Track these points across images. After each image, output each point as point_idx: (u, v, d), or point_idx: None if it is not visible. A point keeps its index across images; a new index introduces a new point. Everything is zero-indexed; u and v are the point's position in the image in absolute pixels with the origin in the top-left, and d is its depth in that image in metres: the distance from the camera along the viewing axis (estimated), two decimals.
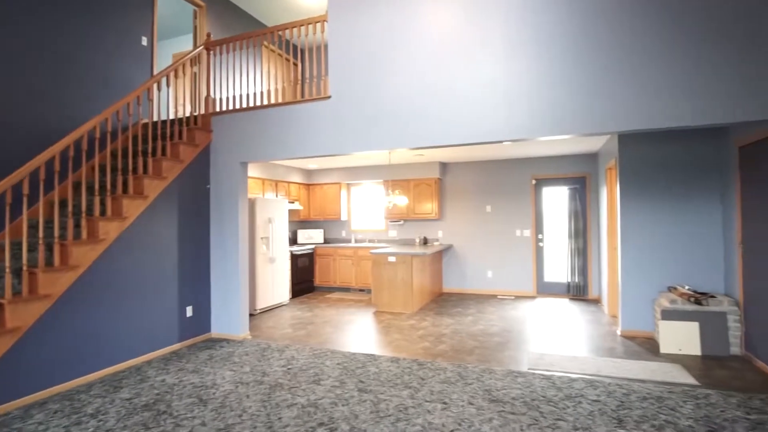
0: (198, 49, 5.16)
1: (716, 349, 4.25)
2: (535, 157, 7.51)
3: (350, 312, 6.52)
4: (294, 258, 7.80)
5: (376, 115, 4.41)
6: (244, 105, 5.05)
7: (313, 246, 8.41)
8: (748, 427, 2.78)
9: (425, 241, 8.06)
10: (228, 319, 5.13)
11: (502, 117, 3.96)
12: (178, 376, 3.85)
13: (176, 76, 4.89)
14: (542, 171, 7.50)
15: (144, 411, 3.16)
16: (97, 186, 3.95)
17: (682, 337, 4.31)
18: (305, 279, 8.17)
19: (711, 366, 3.98)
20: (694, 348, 4.28)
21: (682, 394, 3.28)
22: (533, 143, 6.14)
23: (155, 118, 5.65)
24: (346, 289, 8.32)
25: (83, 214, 3.79)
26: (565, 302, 6.92)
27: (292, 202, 8.25)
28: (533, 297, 7.43)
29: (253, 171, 7.21)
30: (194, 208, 5.01)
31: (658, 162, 4.89)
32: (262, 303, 6.59)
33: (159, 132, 4.61)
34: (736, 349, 4.23)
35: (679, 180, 4.81)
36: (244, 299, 5.16)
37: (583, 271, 7.21)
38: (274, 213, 6.95)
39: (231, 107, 5.16)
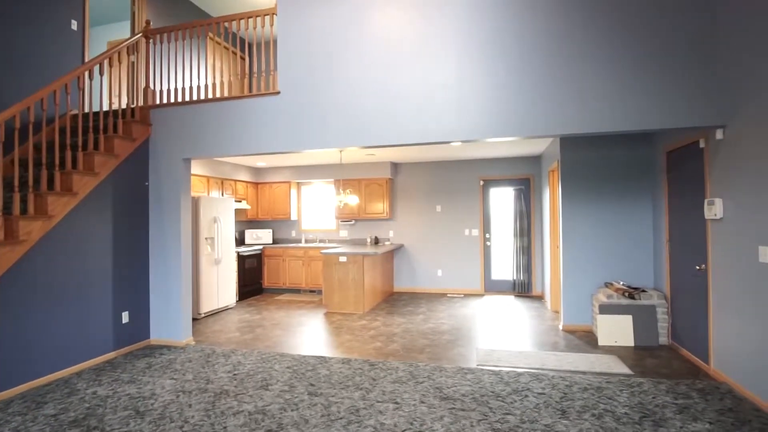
0: (136, 37, 4.83)
1: (647, 339, 4.55)
2: (483, 158, 7.73)
3: (300, 314, 6.38)
4: (241, 259, 7.52)
5: (326, 113, 4.34)
6: (187, 98, 4.79)
7: (261, 246, 8.16)
8: (676, 411, 2.99)
9: (376, 241, 8.06)
10: (169, 324, 4.84)
11: (454, 118, 4.02)
12: (112, 387, 3.58)
13: (111, 65, 4.54)
14: (489, 172, 7.73)
15: (72, 428, 2.89)
16: (16, 182, 3.58)
17: (617, 330, 4.59)
18: (253, 281, 7.91)
19: (643, 356, 4.26)
20: (628, 339, 4.57)
21: (618, 384, 3.48)
22: (481, 145, 6.31)
23: (87, 109, 5.22)
24: (297, 291, 8.14)
25: (0, 213, 3.42)
26: (511, 299, 7.18)
27: (239, 201, 7.95)
28: (481, 295, 7.64)
29: (197, 168, 6.87)
30: (132, 206, 4.68)
31: (596, 165, 5.17)
32: (206, 306, 6.29)
33: (91, 124, 4.26)
34: (664, 339, 4.56)
35: (616, 182, 5.12)
36: (187, 303, 4.90)
37: (528, 268, 7.51)
38: (220, 212, 6.67)
39: (172, 100, 4.88)
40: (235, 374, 3.84)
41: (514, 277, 7.54)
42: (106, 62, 4.70)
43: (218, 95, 4.66)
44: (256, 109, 4.56)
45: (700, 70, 3.51)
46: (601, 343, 4.62)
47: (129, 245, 4.63)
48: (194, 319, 6.13)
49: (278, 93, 4.47)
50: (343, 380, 3.65)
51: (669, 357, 4.22)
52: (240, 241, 8.49)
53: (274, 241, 8.87)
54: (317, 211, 8.71)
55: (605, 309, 4.66)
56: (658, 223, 4.83)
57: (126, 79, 5.32)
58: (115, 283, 4.44)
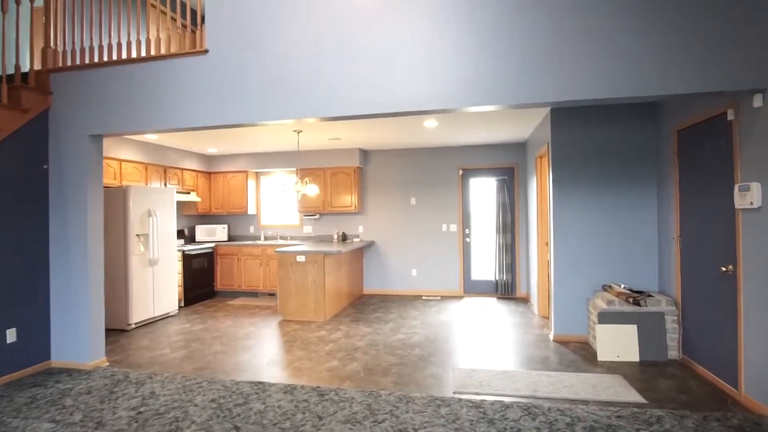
0: None
1: (655, 353, 3.83)
2: (462, 145, 6.94)
3: (251, 322, 5.48)
4: (187, 259, 6.55)
5: (266, 78, 3.44)
6: (96, 59, 3.83)
7: (213, 244, 7.19)
8: None
9: (344, 238, 7.20)
10: (75, 342, 3.89)
11: (423, 83, 3.18)
12: None
13: None
14: (469, 161, 6.95)
15: None
16: None
17: (620, 342, 3.85)
18: (204, 283, 6.95)
19: (652, 375, 3.53)
20: (632, 353, 3.84)
21: (632, 419, 2.72)
22: (460, 128, 5.50)
23: None
24: (253, 294, 7.21)
25: None
26: (493, 302, 6.42)
27: (187, 193, 6.97)
28: (460, 297, 6.87)
29: (130, 153, 5.87)
30: (22, 196, 3.70)
31: (592, 148, 4.43)
32: (138, 315, 5.32)
33: None
34: (674, 353, 3.84)
35: (614, 168, 4.38)
36: (97, 315, 3.95)
37: (512, 268, 6.77)
38: (157, 205, 5.69)
39: (78, 62, 3.91)
40: (139, 413, 2.93)
41: (497, 278, 6.79)
42: None
43: (135, 55, 3.73)
44: (179, 73, 3.63)
45: (734, 18, 2.76)
46: (600, 358, 3.87)
47: (18, 244, 3.65)
48: (122, 331, 5.16)
49: (206, 52, 3.55)
50: (280, 419, 2.79)
51: (683, 376, 3.50)
52: (189, 238, 7.50)
53: (230, 238, 7.91)
54: (278, 204, 7.79)
55: (605, 317, 3.92)
56: (665, 215, 4.11)
57: (15, 35, 4.30)
58: None
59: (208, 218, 7.97)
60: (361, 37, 3.28)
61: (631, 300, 3.87)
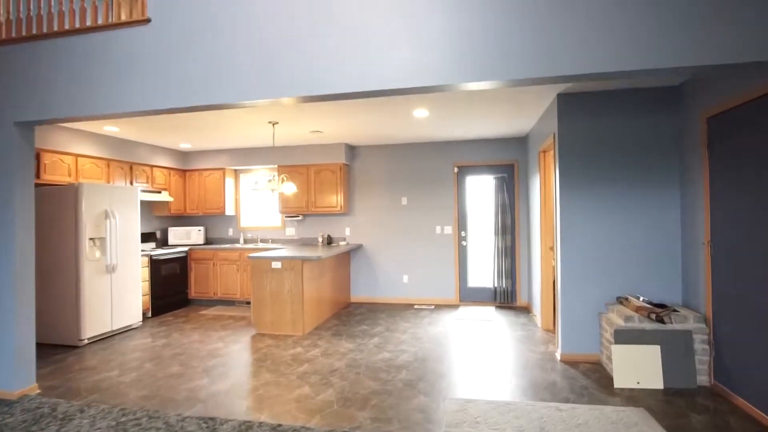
0: None
1: (682, 379, 3.26)
2: (458, 140, 6.37)
3: (220, 337, 4.89)
4: (155, 264, 5.96)
5: (222, 53, 2.86)
6: (23, 32, 3.24)
7: (187, 248, 6.60)
8: None
9: (329, 241, 6.62)
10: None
11: (408, 54, 2.60)
12: None
13: None
14: (465, 157, 6.38)
15: None
16: None
17: (640, 366, 3.28)
18: (174, 291, 6.35)
19: (680, 407, 2.96)
20: (654, 379, 3.27)
21: None
22: (453, 121, 4.93)
23: None
24: (230, 303, 6.62)
25: None
26: (491, 312, 5.84)
27: (157, 192, 6.38)
28: (455, 306, 6.29)
29: (87, 147, 5.27)
30: None
31: (604, 140, 3.86)
32: (92, 329, 4.73)
33: None
34: (704, 378, 3.27)
35: (630, 163, 3.81)
36: (25, 335, 3.36)
37: (511, 274, 6.20)
38: (116, 205, 5.10)
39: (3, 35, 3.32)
40: None
41: (495, 285, 6.22)
42: None
43: (67, 27, 3.15)
44: (117, 45, 3.05)
45: None
46: (617, 384, 3.30)
47: None
48: (73, 348, 4.57)
49: (147, 21, 2.97)
50: None
51: (717, 409, 2.93)
52: (162, 241, 6.91)
53: (208, 241, 7.32)
54: (259, 204, 7.20)
55: (623, 336, 3.34)
56: (690, 216, 3.54)
57: None
58: None
59: (183, 220, 7.38)
60: (337, 3, 2.70)
61: (653, 316, 3.30)
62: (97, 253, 4.82)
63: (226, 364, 3.99)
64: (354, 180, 6.74)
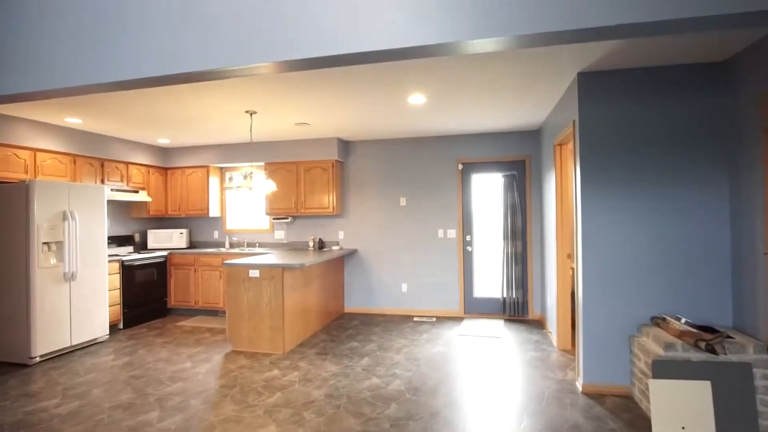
0: None
1: (738, 424, 2.60)
2: (461, 134, 5.74)
3: (191, 354, 4.31)
4: (128, 270, 5.41)
5: (189, 13, 2.28)
6: None
7: (166, 252, 6.05)
8: None
9: (321, 245, 6.02)
10: None
11: (397, 6, 1.99)
12: None
13: None
14: (471, 153, 5.74)
15: None
16: None
17: (686, 408, 2.62)
18: (152, 299, 5.80)
19: None
20: (705, 425, 2.60)
21: None
22: (455, 110, 4.30)
23: None
24: (212, 312, 6.06)
25: None
26: (499, 326, 5.19)
27: (134, 192, 5.84)
28: (460, 318, 5.65)
29: (51, 142, 4.74)
30: None
31: (635, 128, 3.21)
32: (46, 345, 4.18)
33: None
34: (767, 423, 2.61)
35: (666, 154, 3.16)
36: None
37: (522, 283, 5.54)
38: (79, 205, 4.56)
39: None
40: None
41: (504, 295, 5.57)
42: None
43: None
44: (77, 6, 2.48)
45: None
46: (657, 429, 2.64)
47: None
48: (22, 367, 4.03)
49: None
50: None
51: None
52: (141, 245, 6.38)
53: (192, 245, 6.77)
54: (246, 205, 6.63)
55: (663, 368, 2.69)
56: (745, 220, 2.88)
57: None
58: None
59: (165, 222, 6.84)
60: None
61: (701, 344, 2.64)
62: (53, 260, 4.27)
63: (187, 391, 3.41)
64: (348, 178, 6.14)
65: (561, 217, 4.26)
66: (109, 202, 5.87)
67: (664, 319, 3.00)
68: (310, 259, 4.63)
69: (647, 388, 2.76)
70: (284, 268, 4.29)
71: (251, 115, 4.37)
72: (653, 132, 3.18)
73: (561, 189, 4.27)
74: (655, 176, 3.17)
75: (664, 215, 3.16)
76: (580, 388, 3.28)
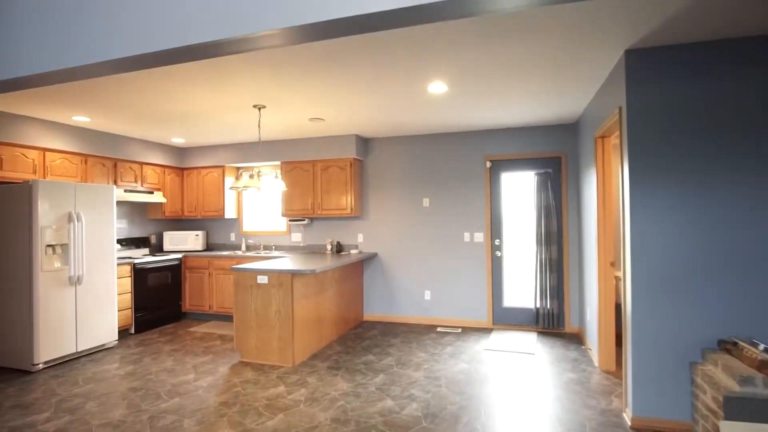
0: None
1: None
2: (489, 128, 5.28)
3: (197, 365, 4.05)
4: (140, 273, 5.24)
5: None
6: None
7: (180, 255, 5.87)
8: None
9: (339, 248, 5.69)
10: None
11: None
12: None
13: None
14: (500, 150, 5.27)
15: None
16: None
17: None
18: (166, 303, 5.63)
19: None
20: None
21: None
22: (481, 102, 3.87)
23: None
24: (227, 318, 5.82)
25: None
26: (532, 340, 4.70)
27: (149, 192, 5.69)
28: (488, 329, 5.18)
29: (61, 141, 4.62)
30: None
31: (695, 116, 2.70)
32: (50, 352, 4.02)
33: None
34: None
35: (736, 146, 2.63)
36: None
37: (558, 293, 5.02)
38: (86, 206, 4.40)
39: None
40: None
41: (538, 305, 5.06)
42: None
43: None
44: None
45: None
46: None
47: None
48: (25, 374, 3.88)
49: None
50: None
51: None
52: (157, 247, 6.23)
53: (208, 248, 6.59)
54: (263, 206, 6.39)
55: (738, 407, 2.18)
56: None
57: None
58: None
59: (182, 223, 6.69)
60: None
61: None
62: (57, 263, 4.11)
63: (183, 408, 3.12)
64: (367, 178, 5.79)
65: (603, 220, 3.75)
66: (126, 203, 5.75)
67: (735, 344, 2.48)
68: (323, 264, 4.30)
69: (716, 429, 2.25)
70: (294, 274, 3.97)
71: (259, 109, 4.08)
72: (718, 119, 2.66)
73: (603, 188, 3.76)
74: (722, 170, 2.64)
75: (732, 216, 2.63)
76: (629, 422, 2.78)
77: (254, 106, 4.03)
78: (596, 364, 3.86)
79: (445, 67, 3.09)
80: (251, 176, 4.05)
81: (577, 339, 4.72)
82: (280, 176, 5.84)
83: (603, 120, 3.51)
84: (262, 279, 4.06)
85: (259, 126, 4.02)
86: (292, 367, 3.95)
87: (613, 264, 3.72)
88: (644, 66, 2.79)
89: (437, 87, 3.54)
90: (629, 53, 2.81)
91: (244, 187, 3.99)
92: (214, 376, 3.77)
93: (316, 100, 3.88)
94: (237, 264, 5.62)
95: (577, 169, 4.90)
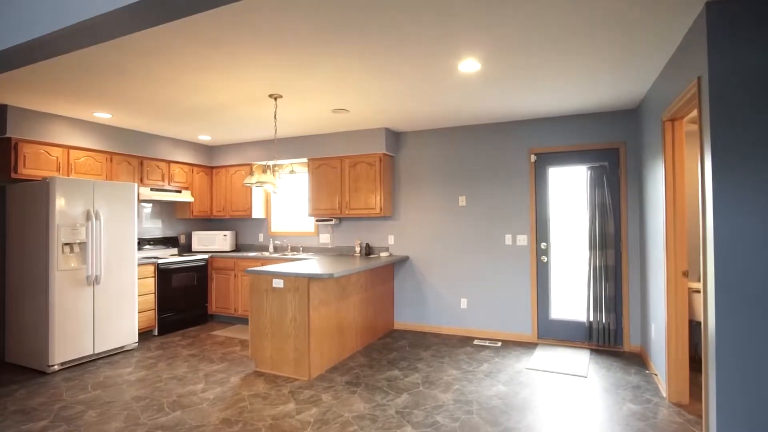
0: None
1: None
2: (533, 118, 4.69)
3: (209, 373, 3.80)
4: (164, 274, 5.11)
5: None
6: None
7: (207, 256, 5.72)
8: None
9: (368, 251, 5.30)
10: None
11: None
12: None
13: None
14: (547, 141, 4.67)
15: None
16: None
17: None
18: (191, 304, 5.48)
19: None
20: None
21: None
22: (522, 83, 3.33)
23: None
24: None
25: None
26: (583, 359, 4.07)
27: (177, 191, 5.58)
28: (531, 344, 4.59)
29: (85, 138, 4.56)
30: None
31: None
32: (65, 353, 3.91)
33: None
34: None
35: None
36: None
37: (615, 305, 4.35)
38: (106, 204, 4.29)
39: None
40: None
41: (590, 318, 4.41)
42: None
43: None
44: None
45: None
46: None
47: None
48: (40, 374, 3.78)
49: None
50: None
51: None
52: (185, 247, 6.13)
53: (237, 248, 6.42)
54: (292, 206, 6.12)
55: None
56: None
57: None
58: None
59: (211, 223, 6.57)
60: None
61: None
62: (73, 262, 4.00)
63: (181, 424, 2.84)
64: (399, 175, 5.36)
65: (673, 221, 3.10)
66: (155, 202, 5.68)
67: None
68: (348, 267, 3.91)
69: None
70: (310, 279, 3.62)
71: (275, 99, 3.77)
72: None
73: (673, 182, 3.11)
74: None
75: None
76: None
77: (270, 96, 3.72)
78: (664, 393, 3.21)
79: (479, 42, 2.61)
80: (263, 170, 3.74)
81: (638, 360, 4.04)
82: (305, 171, 5.53)
83: (673, 98, 2.88)
84: (278, 283, 3.74)
85: (275, 117, 3.72)
86: (308, 380, 3.59)
87: (686, 274, 3.07)
88: (733, 20, 2.18)
89: (469, 65, 3.05)
90: (712, 6, 2.21)
91: (257, 182, 3.68)
92: (224, 387, 3.48)
93: (336, 87, 3.51)
94: (262, 266, 5.36)
95: (639, 161, 4.22)
